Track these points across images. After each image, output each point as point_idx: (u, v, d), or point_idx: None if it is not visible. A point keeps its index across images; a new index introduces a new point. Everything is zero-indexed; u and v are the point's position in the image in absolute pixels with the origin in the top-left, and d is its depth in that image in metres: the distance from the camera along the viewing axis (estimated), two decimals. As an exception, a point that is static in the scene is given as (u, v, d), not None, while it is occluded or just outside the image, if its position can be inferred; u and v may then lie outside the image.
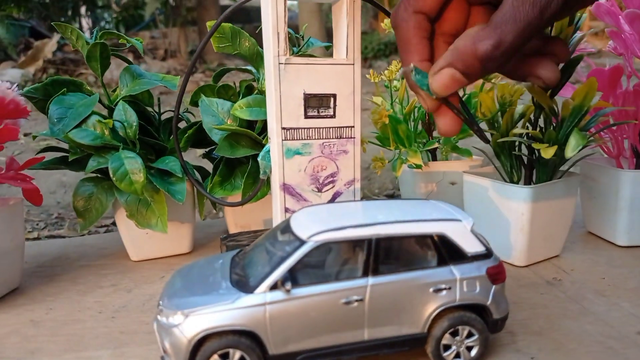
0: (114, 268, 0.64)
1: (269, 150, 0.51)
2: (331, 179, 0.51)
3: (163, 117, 0.69)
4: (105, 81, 0.64)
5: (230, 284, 0.38)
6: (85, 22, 7.63)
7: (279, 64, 0.47)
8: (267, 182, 0.53)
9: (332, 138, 0.50)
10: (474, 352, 0.40)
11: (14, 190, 1.34)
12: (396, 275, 0.38)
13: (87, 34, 0.63)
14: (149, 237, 0.65)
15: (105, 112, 0.64)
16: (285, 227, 0.40)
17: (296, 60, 0.47)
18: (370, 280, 0.37)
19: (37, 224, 1.28)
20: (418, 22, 0.38)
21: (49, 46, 4.55)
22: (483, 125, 0.68)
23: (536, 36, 0.37)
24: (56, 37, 4.68)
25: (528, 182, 0.60)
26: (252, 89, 0.68)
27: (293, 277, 0.37)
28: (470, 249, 0.39)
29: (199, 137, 0.66)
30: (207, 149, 0.70)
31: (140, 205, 0.61)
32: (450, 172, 0.71)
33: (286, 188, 0.50)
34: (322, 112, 0.50)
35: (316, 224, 0.38)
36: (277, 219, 0.51)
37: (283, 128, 0.48)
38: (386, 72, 0.72)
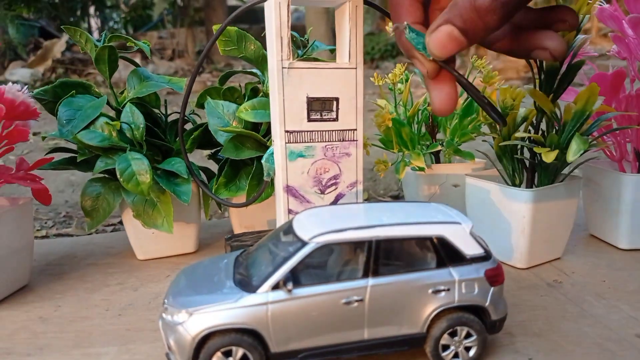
0: (121, 267, 0.65)
1: (272, 153, 0.52)
2: (334, 181, 0.52)
3: (169, 118, 0.70)
4: (113, 81, 0.65)
5: (234, 283, 0.39)
6: (94, 22, 7.68)
7: (283, 68, 0.48)
8: (271, 183, 0.54)
9: (335, 141, 0.51)
10: (472, 353, 0.41)
11: (22, 190, 1.36)
12: (396, 276, 0.39)
13: (95, 34, 0.64)
14: (155, 237, 0.66)
15: (113, 113, 0.65)
16: (288, 229, 0.41)
17: (299, 64, 0.48)
18: (371, 281, 0.38)
19: (46, 223, 1.29)
20: None
21: (58, 46, 4.59)
22: (485, 129, 0.69)
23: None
24: (65, 37, 4.72)
25: (530, 185, 0.61)
26: (258, 92, 0.69)
27: (295, 277, 0.37)
28: (469, 252, 0.40)
29: (205, 139, 0.67)
30: (212, 151, 0.71)
31: (147, 206, 0.62)
32: (453, 175, 0.72)
33: (289, 190, 0.51)
34: (325, 115, 0.50)
35: (318, 226, 0.39)
36: (281, 220, 0.52)
37: (286, 131, 0.49)
38: (390, 75, 0.73)
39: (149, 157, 0.61)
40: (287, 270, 0.37)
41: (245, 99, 0.68)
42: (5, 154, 0.55)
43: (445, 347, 0.40)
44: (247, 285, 0.38)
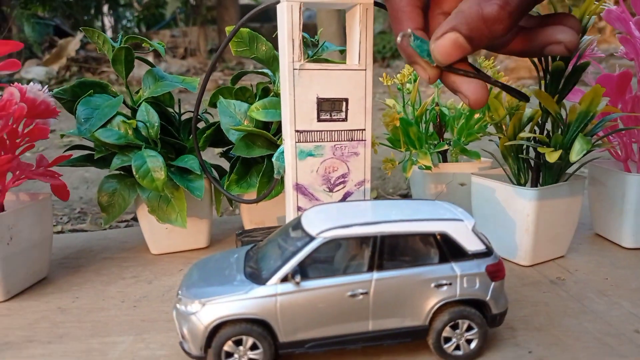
0: (135, 261, 0.67)
1: (283, 152, 0.53)
2: (342, 179, 0.54)
3: (183, 117, 0.72)
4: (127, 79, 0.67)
5: (244, 276, 0.41)
6: (108, 21, 7.75)
7: (294, 69, 0.49)
8: (281, 181, 0.55)
9: (344, 140, 0.52)
10: (473, 345, 0.42)
11: (39, 185, 1.39)
12: (400, 270, 0.40)
13: (109, 33, 0.66)
14: (169, 232, 0.68)
15: (128, 112, 0.67)
16: (297, 224, 0.43)
17: (310, 65, 0.50)
18: (375, 274, 0.40)
19: (61, 218, 1.32)
20: None
21: (73, 44, 4.64)
22: (491, 129, 0.70)
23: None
24: (79, 35, 4.77)
25: (535, 184, 0.62)
26: (269, 91, 0.71)
27: (302, 271, 0.39)
28: (471, 247, 0.41)
29: (217, 137, 0.69)
30: (224, 149, 0.73)
31: (161, 202, 0.64)
32: (460, 174, 0.73)
33: (299, 188, 0.52)
34: (334, 115, 0.52)
35: (325, 222, 0.41)
36: (290, 216, 0.53)
37: (296, 131, 0.51)
38: (399, 75, 0.74)
39: (163, 154, 0.63)
40: (295, 264, 0.39)
41: (257, 99, 0.70)
42: (27, 151, 0.58)
43: (447, 340, 0.42)
44: (257, 277, 0.40)
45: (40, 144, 2.02)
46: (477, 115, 0.73)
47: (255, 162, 0.68)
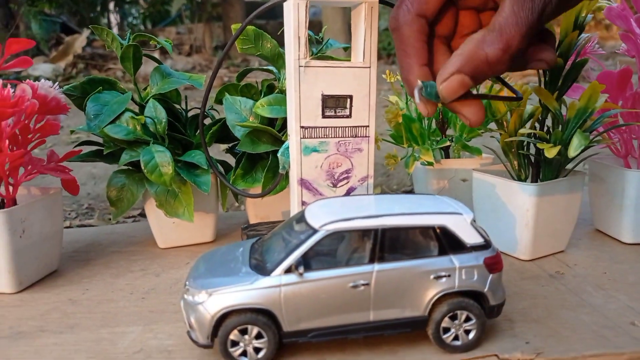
0: (143, 254, 0.69)
1: (288, 147, 0.54)
2: (346, 175, 0.55)
3: (190, 114, 0.73)
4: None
5: (250, 267, 0.42)
6: (114, 18, 7.77)
7: (299, 66, 0.50)
8: (286, 176, 0.57)
9: (348, 137, 0.54)
10: (471, 335, 0.43)
11: (49, 180, 1.41)
12: (400, 262, 0.41)
13: (115, 29, 0.68)
14: (176, 226, 0.69)
15: (136, 108, 0.68)
16: (300, 217, 0.44)
17: (315, 63, 0.51)
18: (376, 266, 0.41)
19: (69, 214, 1.34)
20: (421, 25, 0.39)
21: (79, 41, 4.66)
22: (492, 126, 0.71)
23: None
24: (86, 32, 4.80)
25: (535, 180, 0.63)
26: (273, 88, 0.72)
27: (306, 262, 0.40)
28: (470, 240, 0.42)
29: (223, 133, 0.71)
30: (230, 145, 0.74)
31: (169, 196, 0.66)
32: (462, 170, 0.74)
33: (303, 183, 0.54)
34: (338, 112, 0.53)
35: (328, 215, 0.42)
36: (295, 211, 0.54)
37: (302, 127, 0.52)
38: (402, 72, 0.75)
39: (170, 150, 0.64)
40: (298, 256, 0.40)
41: (262, 96, 0.71)
42: (38, 146, 0.59)
43: (446, 330, 0.43)
44: (262, 269, 0.41)
45: (49, 140, 2.04)
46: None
47: (260, 158, 0.69)
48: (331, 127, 0.53)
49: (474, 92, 0.41)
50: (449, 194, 0.75)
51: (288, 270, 0.40)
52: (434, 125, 0.78)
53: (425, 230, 0.42)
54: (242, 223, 0.81)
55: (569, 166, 0.62)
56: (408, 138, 0.73)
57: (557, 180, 0.60)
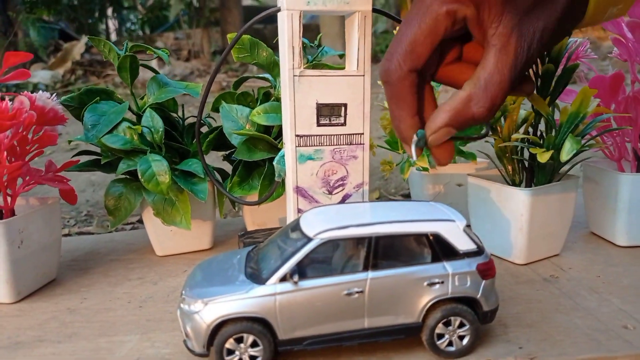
0: (141, 262, 0.69)
1: (283, 155, 0.55)
2: (341, 182, 0.55)
3: (187, 122, 0.74)
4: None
5: (245, 276, 0.43)
6: (112, 24, 7.78)
7: (294, 76, 0.51)
8: (282, 184, 0.57)
9: (343, 144, 0.54)
10: (465, 341, 0.44)
11: (46, 189, 1.41)
12: (394, 269, 0.42)
13: (113, 35, 0.68)
14: (173, 234, 0.70)
15: (134, 118, 0.69)
16: (295, 226, 0.45)
17: (310, 72, 0.51)
18: (370, 274, 0.41)
19: (68, 221, 1.35)
20: (412, 79, 0.41)
21: (77, 48, 4.67)
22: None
23: None
24: (84, 39, 4.81)
25: (529, 184, 0.63)
26: (270, 96, 0.73)
27: (300, 270, 0.41)
28: (462, 247, 0.43)
29: (220, 141, 0.71)
30: (227, 152, 0.75)
31: (166, 204, 0.66)
32: (457, 175, 0.74)
33: (299, 190, 0.54)
34: (333, 120, 0.53)
35: (322, 223, 0.43)
36: (291, 218, 0.55)
37: (297, 135, 0.52)
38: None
39: (167, 158, 0.65)
40: (293, 264, 0.41)
41: (258, 103, 0.72)
42: (36, 157, 0.60)
43: (440, 336, 0.43)
44: (257, 277, 0.42)
45: (49, 147, 2.05)
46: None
47: (257, 165, 0.70)
48: (326, 135, 0.53)
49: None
50: (444, 199, 0.76)
51: (283, 279, 0.41)
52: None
53: (418, 237, 0.42)
54: (239, 230, 0.82)
55: (565, 169, 0.63)
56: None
57: (550, 184, 0.61)
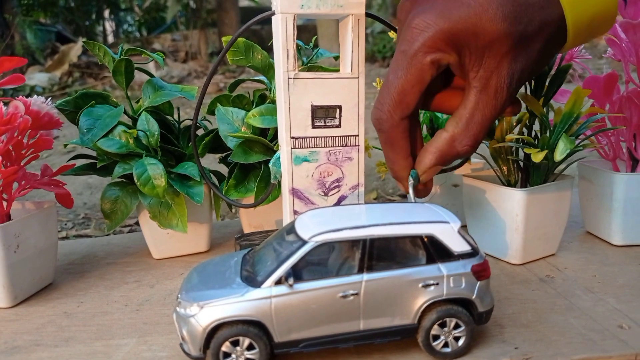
0: (138, 265, 0.69)
1: (279, 157, 0.55)
2: (337, 184, 0.56)
3: (182, 125, 0.74)
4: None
5: (241, 279, 0.43)
6: (109, 25, 7.78)
7: (289, 78, 0.51)
8: (278, 186, 0.57)
9: (338, 146, 0.54)
10: (461, 342, 0.44)
11: (43, 192, 1.41)
12: (389, 271, 0.42)
13: (110, 37, 0.69)
14: (170, 237, 0.70)
15: (129, 121, 0.69)
16: (291, 228, 0.45)
17: (304, 74, 0.52)
18: (365, 276, 0.42)
19: (65, 224, 1.35)
20: (404, 126, 0.44)
21: (74, 50, 4.68)
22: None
23: None
24: (81, 41, 4.81)
25: (524, 185, 0.63)
26: (265, 98, 0.73)
27: (296, 273, 0.41)
28: (457, 248, 0.43)
29: (216, 144, 0.71)
30: (223, 155, 0.75)
31: (162, 208, 0.66)
32: (453, 175, 0.75)
33: (295, 192, 0.54)
34: (328, 122, 0.54)
35: (318, 226, 0.43)
36: (287, 220, 0.55)
37: (292, 137, 0.53)
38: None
39: (163, 162, 0.65)
40: (288, 267, 0.41)
41: (254, 106, 0.72)
42: (31, 161, 0.60)
43: (436, 337, 0.43)
44: (252, 280, 0.42)
45: (45, 151, 2.05)
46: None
47: (253, 168, 0.70)
48: (321, 137, 0.54)
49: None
50: (440, 200, 0.76)
51: (278, 282, 0.41)
52: (425, 131, 0.78)
53: (413, 239, 0.43)
54: (236, 232, 0.82)
55: (560, 169, 0.63)
56: (399, 145, 0.74)
57: (545, 185, 0.61)
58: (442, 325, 0.43)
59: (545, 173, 0.61)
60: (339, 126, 0.54)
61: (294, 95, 0.52)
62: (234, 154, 0.66)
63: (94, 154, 0.68)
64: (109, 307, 0.57)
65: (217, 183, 0.74)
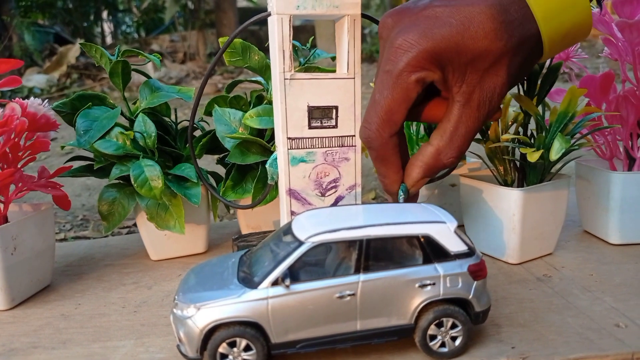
0: (136, 267, 0.69)
1: (276, 158, 0.55)
2: (334, 184, 0.56)
3: (179, 126, 0.74)
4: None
5: (238, 280, 0.43)
6: (107, 27, 7.78)
7: (285, 79, 0.51)
8: (275, 186, 0.57)
9: (335, 147, 0.54)
10: (458, 342, 0.44)
11: (41, 194, 1.42)
12: (385, 272, 0.42)
13: (108, 38, 0.69)
14: (168, 238, 0.70)
15: (126, 122, 0.69)
16: (287, 229, 0.45)
17: (300, 75, 0.52)
18: (362, 276, 0.42)
19: (64, 226, 1.35)
20: (393, 142, 0.46)
21: (73, 52, 4.67)
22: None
23: None
24: (79, 42, 4.81)
25: (521, 184, 0.64)
26: (262, 99, 0.73)
27: (292, 274, 0.41)
28: (454, 248, 0.43)
29: (213, 145, 0.71)
30: (220, 156, 0.75)
31: (160, 209, 0.66)
32: (450, 175, 0.74)
33: (292, 193, 0.54)
34: (325, 122, 0.54)
35: (314, 226, 0.43)
36: (284, 221, 0.55)
37: (289, 138, 0.53)
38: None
39: (160, 163, 0.65)
40: (285, 268, 0.41)
41: (251, 107, 0.72)
42: (28, 163, 0.60)
43: (433, 337, 0.44)
44: (249, 281, 0.42)
45: (43, 152, 2.05)
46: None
47: (250, 169, 0.70)
48: (318, 137, 0.54)
49: None
50: (438, 200, 0.76)
51: (275, 283, 0.41)
52: (422, 131, 0.78)
53: (409, 239, 0.43)
54: (234, 233, 0.82)
55: (557, 168, 0.63)
56: (396, 145, 0.74)
57: (541, 184, 0.61)
58: (439, 325, 0.43)
59: (541, 172, 0.61)
60: (335, 127, 0.54)
61: (291, 96, 0.52)
62: (231, 155, 0.66)
63: (91, 155, 0.68)
64: (107, 309, 0.57)
65: (214, 184, 0.74)
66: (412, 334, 0.44)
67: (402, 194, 0.48)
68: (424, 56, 0.43)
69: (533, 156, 0.55)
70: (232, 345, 0.41)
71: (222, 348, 0.41)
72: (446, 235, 0.43)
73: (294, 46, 0.65)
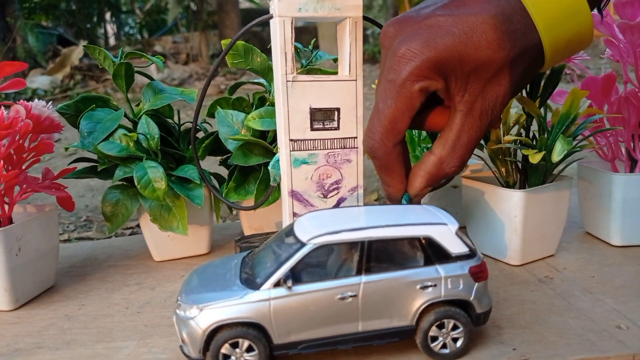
0: (139, 268, 0.70)
1: (278, 160, 0.55)
2: (336, 186, 0.56)
3: (182, 128, 0.74)
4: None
5: (240, 281, 0.43)
6: (110, 28, 7.80)
7: (287, 81, 0.52)
8: (278, 188, 0.57)
9: (337, 148, 0.55)
10: (459, 343, 0.44)
11: (44, 196, 1.42)
12: (387, 273, 0.42)
13: (112, 40, 0.69)
14: (171, 240, 0.70)
15: (129, 124, 0.70)
16: (290, 231, 0.45)
17: (302, 77, 0.52)
18: (363, 278, 0.42)
19: (68, 227, 1.35)
20: (397, 151, 0.46)
21: (76, 53, 4.69)
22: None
23: None
24: (82, 44, 4.82)
25: (523, 186, 0.64)
26: (265, 101, 0.73)
27: (294, 275, 0.41)
28: (455, 250, 0.43)
29: (216, 146, 0.72)
30: (223, 157, 0.75)
31: (163, 210, 0.67)
32: (452, 176, 0.75)
33: (294, 194, 0.55)
34: (327, 124, 0.54)
35: (316, 228, 0.43)
36: (286, 222, 0.55)
37: (291, 140, 0.53)
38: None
39: (163, 165, 0.65)
40: (287, 269, 0.41)
41: (253, 108, 0.72)
42: (33, 165, 0.60)
43: (434, 339, 0.44)
44: (251, 283, 0.42)
45: (47, 154, 2.06)
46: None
47: (252, 170, 0.70)
48: (320, 139, 0.54)
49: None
50: (440, 201, 0.76)
51: (277, 284, 0.41)
52: (424, 133, 0.79)
53: (410, 241, 0.43)
54: (236, 234, 0.82)
55: (559, 169, 0.63)
56: (398, 147, 0.74)
57: (543, 185, 0.61)
58: (440, 326, 0.44)
59: (543, 174, 0.61)
60: (337, 128, 0.54)
61: (293, 98, 0.52)
62: (233, 156, 0.66)
63: (95, 157, 0.69)
64: (110, 309, 0.58)
65: (217, 185, 0.74)
66: (414, 335, 0.44)
67: (405, 202, 0.49)
68: (427, 65, 0.43)
69: (535, 158, 0.55)
70: (235, 346, 0.41)
71: (225, 349, 0.41)
72: (447, 236, 0.43)
73: (296, 48, 0.65)
